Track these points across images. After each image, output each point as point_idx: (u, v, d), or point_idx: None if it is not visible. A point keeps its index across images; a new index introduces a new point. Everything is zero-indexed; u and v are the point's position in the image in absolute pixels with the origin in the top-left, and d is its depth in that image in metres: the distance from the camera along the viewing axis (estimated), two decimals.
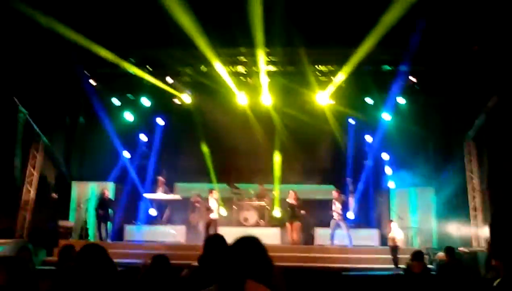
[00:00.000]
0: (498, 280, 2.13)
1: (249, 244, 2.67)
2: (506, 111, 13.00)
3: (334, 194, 14.95)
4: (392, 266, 12.60)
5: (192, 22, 12.99)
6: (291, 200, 15.10)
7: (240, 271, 2.53)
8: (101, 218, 15.40)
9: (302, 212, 15.06)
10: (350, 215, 15.54)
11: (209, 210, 14.95)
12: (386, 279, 11.21)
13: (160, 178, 16.87)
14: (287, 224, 15.11)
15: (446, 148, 16.11)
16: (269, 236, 14.67)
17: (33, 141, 15.80)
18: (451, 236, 14.57)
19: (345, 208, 14.91)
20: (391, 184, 16.77)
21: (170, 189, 17.04)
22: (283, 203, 16.16)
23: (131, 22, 13.32)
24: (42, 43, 13.90)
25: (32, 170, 15.67)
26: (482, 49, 13.98)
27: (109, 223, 15.74)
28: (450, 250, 9.65)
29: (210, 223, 14.82)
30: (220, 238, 4.34)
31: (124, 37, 14.14)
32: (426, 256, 11.67)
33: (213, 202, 15.01)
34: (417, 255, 8.45)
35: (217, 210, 15.15)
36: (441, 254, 10.62)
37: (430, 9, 12.64)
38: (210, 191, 15.31)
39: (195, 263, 4.34)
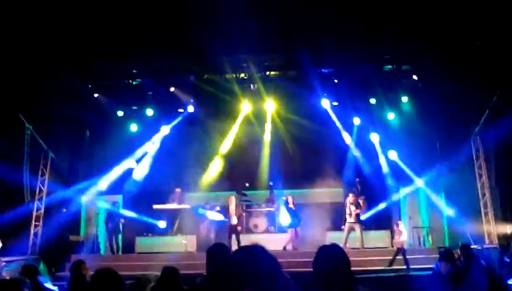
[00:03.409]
0: None
1: (251, 253, 2.67)
2: (510, 105, 12.95)
3: (350, 197, 14.85)
4: (404, 266, 12.54)
5: (192, 30, 13.07)
6: (290, 205, 14.86)
7: (240, 282, 2.53)
8: (111, 231, 15.44)
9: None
10: (362, 217, 15.48)
11: (230, 216, 14.59)
12: (402, 279, 11.19)
13: (177, 189, 16.81)
14: (289, 230, 14.75)
15: (453, 145, 16.01)
16: (280, 242, 14.62)
17: (41, 157, 15.89)
18: (463, 234, 14.46)
19: (359, 210, 14.86)
20: (400, 184, 16.65)
21: (180, 199, 17.03)
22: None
23: (132, 32, 13.39)
24: (44, 57, 13.99)
25: (41, 186, 15.75)
26: (483, 44, 13.95)
27: (119, 236, 15.79)
28: (466, 248, 9.45)
29: (232, 230, 14.50)
30: (223, 247, 4.35)
31: (126, 48, 14.19)
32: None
33: (232, 209, 14.67)
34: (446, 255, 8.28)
35: (237, 216, 14.74)
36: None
37: (430, 5, 12.65)
38: (230, 198, 15.01)
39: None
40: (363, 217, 15.40)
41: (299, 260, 13.01)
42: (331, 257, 2.62)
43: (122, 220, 15.84)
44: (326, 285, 2.52)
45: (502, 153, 14.48)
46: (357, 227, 14.47)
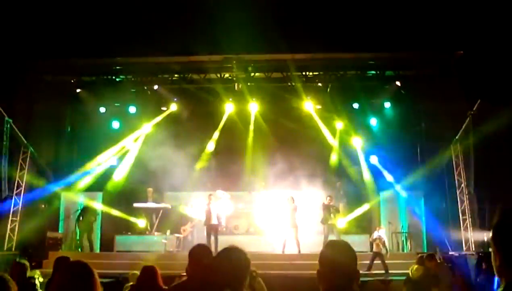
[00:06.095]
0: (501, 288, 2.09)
1: (232, 254, 2.70)
2: (490, 114, 13.13)
3: (327, 200, 14.91)
4: (383, 271, 12.62)
5: (178, 29, 13.04)
6: (291, 204, 14.33)
7: (221, 283, 2.56)
8: (83, 228, 15.28)
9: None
10: (342, 220, 15.54)
11: (210, 216, 14.22)
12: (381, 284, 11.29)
13: (149, 189, 16.73)
14: (289, 231, 14.22)
15: (434, 152, 16.17)
16: (259, 244, 14.61)
17: (20, 152, 15.67)
18: (441, 240, 14.60)
19: (337, 213, 14.94)
20: (380, 189, 16.77)
21: (160, 198, 16.92)
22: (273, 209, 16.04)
23: (117, 29, 13.33)
24: (26, 50, 13.84)
25: (19, 180, 15.53)
26: (466, 54, 14.17)
27: (93, 234, 15.63)
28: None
29: (210, 230, 14.18)
30: (205, 248, 4.34)
31: (111, 45, 14.11)
32: None
33: (214, 207, 14.34)
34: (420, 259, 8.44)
35: (217, 215, 14.40)
36: None
37: (415, 13, 12.82)
38: (209, 196, 14.69)
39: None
40: (343, 221, 15.50)
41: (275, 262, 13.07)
42: (340, 250, 2.62)
43: (93, 218, 15.63)
44: (331, 278, 2.53)
45: (481, 161, 14.66)
46: (336, 230, 14.56)
